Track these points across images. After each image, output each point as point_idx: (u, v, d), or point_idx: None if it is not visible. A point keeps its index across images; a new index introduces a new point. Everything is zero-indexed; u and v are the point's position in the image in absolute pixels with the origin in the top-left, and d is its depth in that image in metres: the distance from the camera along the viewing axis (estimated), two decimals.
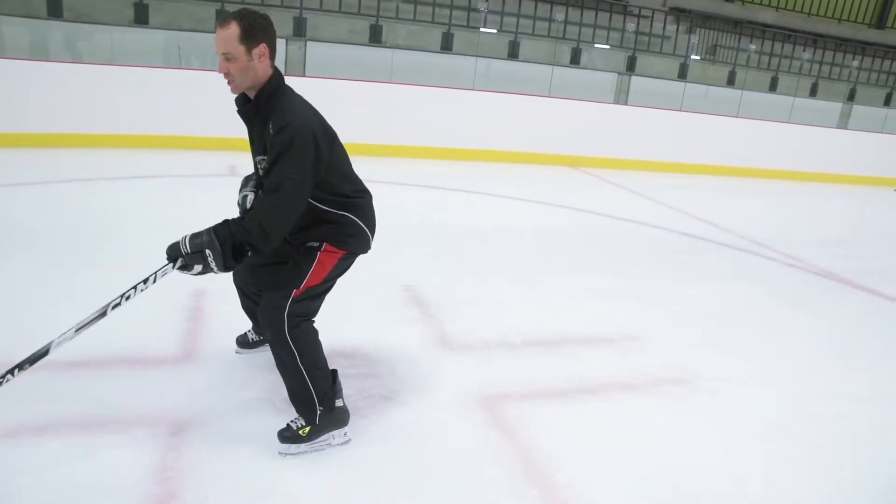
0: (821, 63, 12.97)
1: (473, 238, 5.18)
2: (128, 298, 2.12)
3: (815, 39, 13.55)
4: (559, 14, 10.47)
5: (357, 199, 2.31)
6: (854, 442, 2.74)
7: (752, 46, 12.27)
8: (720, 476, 2.38)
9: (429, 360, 3.00)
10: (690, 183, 9.45)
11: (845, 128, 12.37)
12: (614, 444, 2.51)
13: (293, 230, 2.19)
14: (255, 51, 2.03)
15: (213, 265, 2.04)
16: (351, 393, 2.55)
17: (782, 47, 12.62)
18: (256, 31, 2.04)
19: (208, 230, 2.04)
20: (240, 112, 2.21)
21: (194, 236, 2.05)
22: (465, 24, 9.83)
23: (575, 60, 10.44)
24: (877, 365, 3.60)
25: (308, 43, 8.62)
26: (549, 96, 9.62)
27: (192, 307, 3.25)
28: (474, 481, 2.19)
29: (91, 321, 2.08)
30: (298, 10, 8.60)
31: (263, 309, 2.19)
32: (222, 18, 2.06)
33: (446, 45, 9.49)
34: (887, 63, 13.84)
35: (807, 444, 2.68)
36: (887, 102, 13.21)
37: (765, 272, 5.20)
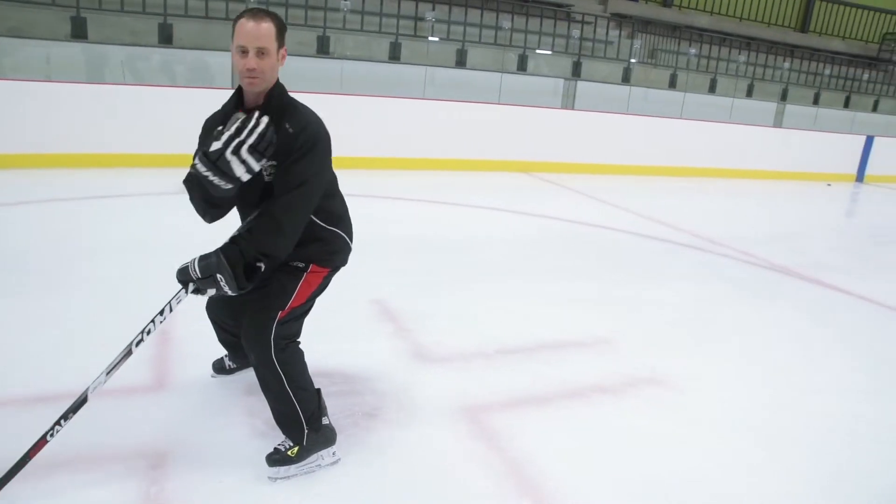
0: (755, 65, 13.51)
1: (437, 248, 5.17)
2: (149, 333, 2.06)
3: (748, 42, 14.13)
4: (505, 21, 10.60)
5: (344, 214, 2.29)
6: (832, 435, 2.84)
7: (693, 50, 12.68)
8: (708, 478, 2.43)
9: (407, 374, 2.97)
10: (640, 184, 9.68)
11: (780, 126, 12.92)
12: (600, 449, 2.53)
13: None
14: (281, 51, 2.02)
15: (225, 288, 1.95)
16: (334, 412, 2.50)
17: (719, 50, 13.09)
18: (284, 31, 2.03)
19: (216, 251, 1.96)
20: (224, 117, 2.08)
21: (202, 259, 1.96)
22: (413, 33, 9.85)
23: (522, 67, 10.59)
24: (839, 357, 3.74)
25: None
26: (498, 103, 9.72)
27: (158, 331, 3.13)
28: (467, 496, 2.17)
29: (119, 362, 2.02)
30: None
31: (248, 334, 2.12)
32: (250, 12, 1.96)
33: (394, 55, 9.50)
34: (814, 65, 14.52)
35: (789, 438, 2.77)
36: (816, 101, 13.86)
37: (724, 270, 5.36)
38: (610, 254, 5.56)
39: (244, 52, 1.93)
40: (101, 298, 3.53)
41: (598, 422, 2.73)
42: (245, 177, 1.92)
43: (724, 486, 2.36)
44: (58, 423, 1.97)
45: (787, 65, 13.85)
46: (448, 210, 6.65)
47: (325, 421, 2.23)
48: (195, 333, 3.02)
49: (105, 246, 4.44)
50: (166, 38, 8.04)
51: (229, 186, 1.91)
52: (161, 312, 2.07)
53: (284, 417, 2.16)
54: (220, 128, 1.94)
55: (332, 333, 3.26)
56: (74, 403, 2.00)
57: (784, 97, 13.32)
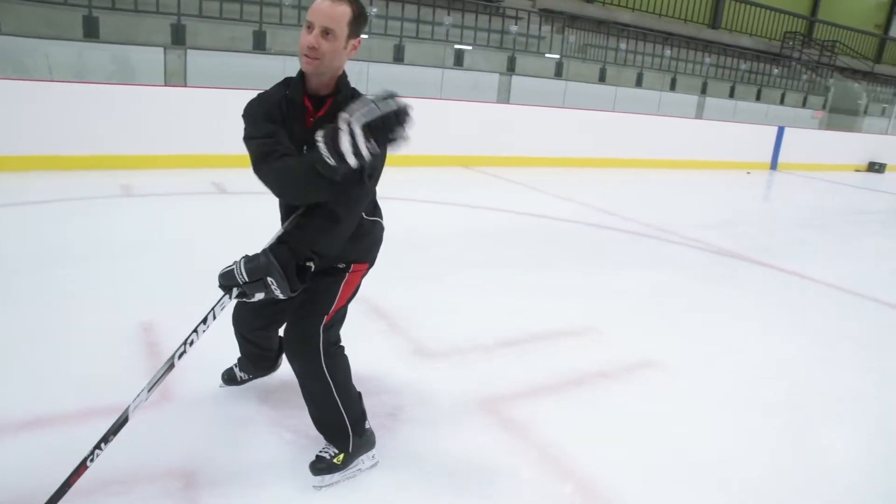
0: (677, 60, 14.12)
1: (398, 243, 5.12)
2: (192, 343, 1.93)
3: (667, 38, 14.76)
4: (446, 18, 10.62)
5: (376, 201, 2.21)
6: (811, 406, 3.03)
7: (623, 46, 13.12)
8: (723, 449, 2.54)
9: (413, 372, 2.94)
10: (577, 175, 9.93)
11: (701, 118, 13.58)
12: (618, 431, 2.60)
13: None
14: (353, 41, 1.88)
15: (276, 291, 1.82)
16: None
17: (644, 45, 13.59)
18: (362, 24, 1.89)
19: (265, 252, 1.83)
20: (284, 109, 1.93)
21: (249, 261, 1.83)
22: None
23: (458, 62, 10.65)
24: (803, 333, 3.99)
25: (188, 51, 8.13)
26: (438, 98, 9.72)
27: (146, 342, 2.97)
28: (515, 486, 2.18)
29: (161, 376, 1.90)
30: (176, 17, 8.09)
31: (293, 344, 2.04)
32: None
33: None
34: (729, 59, 15.33)
35: (793, 411, 2.93)
36: (732, 95, 14.65)
37: (678, 256, 5.59)
38: (569, 244, 5.69)
39: (310, 27, 1.81)
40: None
41: (608, 406, 2.81)
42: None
43: (737, 456, 2.48)
44: (98, 446, 1.84)
45: (708, 60, 14.55)
46: (397, 206, 6.59)
47: (367, 426, 2.18)
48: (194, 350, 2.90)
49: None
50: (91, 31, 7.58)
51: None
52: (204, 321, 1.95)
53: (329, 426, 2.10)
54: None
55: None
56: (114, 425, 1.87)
57: (704, 90, 14.00)
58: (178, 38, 8.14)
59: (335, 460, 2.07)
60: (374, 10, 9.78)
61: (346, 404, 2.08)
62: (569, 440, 2.48)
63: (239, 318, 2.36)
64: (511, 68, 11.15)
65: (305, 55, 1.82)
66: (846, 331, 4.10)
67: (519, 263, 4.87)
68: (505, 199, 7.57)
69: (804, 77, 17.07)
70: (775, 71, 16.14)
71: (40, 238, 4.41)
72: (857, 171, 15.19)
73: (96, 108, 6.69)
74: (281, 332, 2.49)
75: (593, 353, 3.35)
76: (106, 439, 1.86)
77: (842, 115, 16.67)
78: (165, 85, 7.94)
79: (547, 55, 11.86)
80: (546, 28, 12.48)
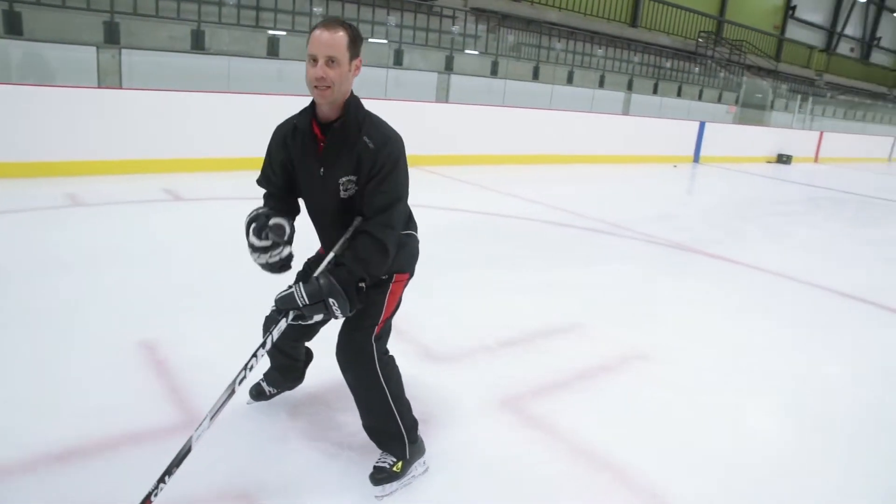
0: (604, 58, 14.64)
1: None
2: (251, 368, 1.95)
3: (593, 36, 15.28)
4: (392, 18, 10.59)
5: (411, 214, 2.26)
6: (790, 381, 3.32)
7: (559, 45, 13.47)
8: (735, 428, 2.75)
9: (429, 376, 3.00)
10: (521, 173, 10.13)
11: (628, 114, 14.14)
12: (634, 421, 2.76)
13: None
14: (355, 62, 1.93)
15: (337, 312, 1.90)
16: None
17: (574, 45, 14.02)
18: (359, 42, 1.95)
19: (324, 274, 1.91)
20: (299, 138, 2.04)
21: (308, 285, 1.90)
22: (291, 28, 9.54)
23: (398, 62, 10.66)
24: (766, 318, 4.32)
25: (123, 51, 7.77)
26: (383, 98, 9.70)
27: (153, 362, 2.89)
28: (557, 480, 2.29)
29: (223, 404, 1.90)
30: (109, 15, 7.71)
31: (348, 354, 2.08)
32: (323, 23, 1.90)
33: (273, 51, 9.15)
34: (651, 57, 16.04)
35: (769, 386, 3.18)
36: (655, 91, 15.34)
37: (636, 251, 5.87)
38: (531, 242, 5.86)
39: (314, 60, 1.86)
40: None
41: (618, 396, 2.98)
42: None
43: (748, 434, 2.70)
44: (162, 479, 1.82)
45: (636, 58, 15.16)
46: None
47: (418, 431, 2.23)
48: (190, 362, 2.89)
49: None
50: (13, 28, 7.12)
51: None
52: (263, 345, 1.98)
53: (386, 434, 2.14)
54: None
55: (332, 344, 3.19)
56: (178, 456, 1.85)
57: (630, 87, 14.59)
58: (112, 36, 7.76)
59: (394, 468, 2.11)
60: (318, 9, 9.64)
61: (401, 412, 2.13)
62: (592, 431, 2.62)
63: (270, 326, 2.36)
64: (449, 67, 11.26)
65: (316, 87, 1.88)
66: (803, 314, 4.47)
67: (490, 263, 4.97)
68: (457, 198, 7.67)
69: (721, 75, 18.06)
70: (696, 69, 17.00)
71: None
72: (769, 162, 16.24)
73: (22, 111, 6.30)
74: (308, 344, 2.53)
75: (587, 347, 3.51)
76: (170, 472, 1.84)
77: (751, 110, 17.75)
78: (99, 86, 7.56)
79: (481, 54, 12.04)
80: (482, 27, 12.66)
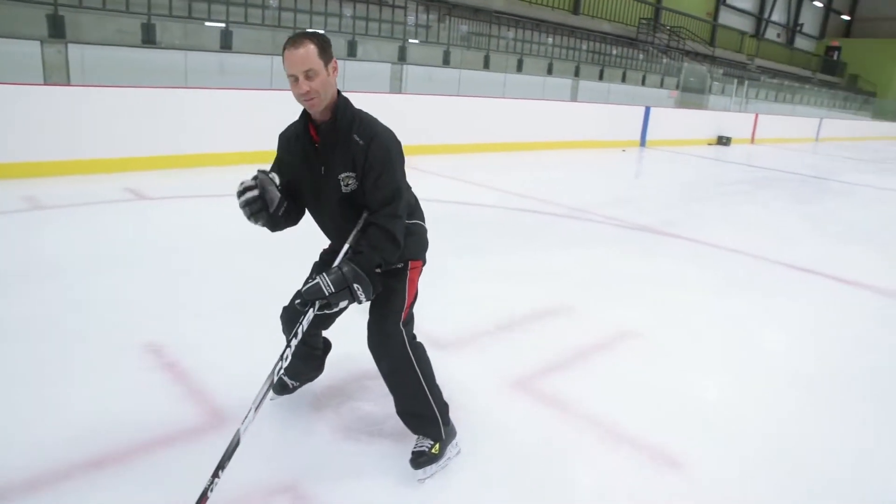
0: (551, 45, 14.89)
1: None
2: (287, 358, 2.05)
3: (538, 24, 15.50)
4: (347, 9, 10.48)
5: (417, 204, 2.37)
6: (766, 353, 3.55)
7: (510, 34, 13.61)
8: (731, 396, 2.94)
9: (439, 362, 3.05)
10: (478, 161, 10.24)
11: (576, 100, 14.45)
12: (639, 393, 2.93)
13: None
14: (330, 65, 2.02)
15: (361, 297, 2.00)
16: None
17: (523, 33, 14.20)
18: (328, 46, 2.03)
19: (345, 262, 2.01)
20: (299, 142, 2.15)
21: (331, 273, 1.99)
22: (244, 20, 9.35)
23: (352, 53, 10.59)
24: (739, 294, 4.59)
25: (69, 45, 7.48)
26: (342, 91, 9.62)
27: (165, 365, 2.86)
28: (584, 453, 2.42)
29: (265, 392, 1.96)
30: (53, 7, 7.40)
31: (380, 342, 2.15)
32: (290, 41, 1.98)
33: (226, 44, 8.96)
34: (598, 45, 16.39)
35: (747, 353, 3.41)
36: (601, 77, 15.71)
37: (604, 233, 6.08)
38: (504, 229, 5.99)
39: (295, 78, 1.96)
40: None
41: (618, 372, 3.14)
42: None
43: (751, 400, 2.89)
44: (216, 475, 1.86)
45: (584, 46, 15.46)
46: None
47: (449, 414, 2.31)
48: (203, 363, 2.90)
49: None
50: None
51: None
52: (295, 335, 2.05)
53: (421, 418, 2.21)
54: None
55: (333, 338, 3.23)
56: (228, 450, 1.89)
57: (577, 73, 14.90)
58: (57, 30, 7.44)
59: (433, 451, 2.20)
60: (273, 1, 9.47)
61: (434, 395, 2.22)
62: (603, 406, 2.77)
63: (293, 321, 2.39)
64: (402, 58, 11.25)
65: (305, 101, 2.01)
66: (770, 288, 4.76)
67: (467, 252, 5.03)
68: (418, 188, 7.63)
69: (665, 61, 18.61)
70: (641, 56, 17.48)
71: None
72: (709, 144, 16.87)
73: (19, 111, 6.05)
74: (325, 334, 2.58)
75: (580, 327, 3.66)
76: (222, 466, 1.88)
77: (692, 95, 18.40)
78: (44, 83, 7.26)
79: (433, 43, 12.07)
80: (432, 17, 12.69)
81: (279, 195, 2.11)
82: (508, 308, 3.86)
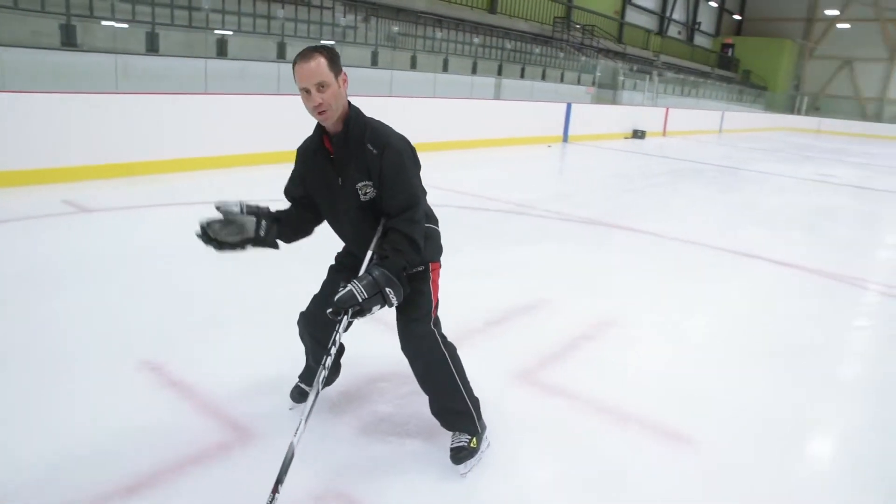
0: (476, 45, 15.13)
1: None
2: (327, 367, 2.05)
3: (458, 24, 15.72)
4: (262, 8, 10.26)
5: (430, 209, 2.44)
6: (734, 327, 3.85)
7: (438, 34, 13.70)
8: (713, 373, 3.20)
9: None
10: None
11: (500, 98, 14.75)
12: (634, 377, 3.13)
13: None
14: (340, 77, 2.08)
15: (393, 300, 2.04)
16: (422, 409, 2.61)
17: (448, 33, 14.36)
18: (337, 59, 2.08)
19: (374, 268, 2.05)
20: (316, 155, 2.20)
21: (361, 280, 2.02)
22: (170, 22, 9.00)
23: (281, 55, 10.40)
24: (693, 279, 4.91)
25: None
26: (273, 94, 9.43)
27: (168, 383, 2.79)
28: (601, 435, 2.57)
29: (313, 404, 1.99)
30: None
31: (414, 345, 2.21)
32: (301, 56, 2.03)
33: (152, 47, 8.60)
34: (519, 44, 16.79)
35: (722, 327, 3.68)
36: (522, 75, 16.11)
37: (556, 228, 6.31)
38: (453, 227, 6.08)
39: (307, 91, 2.02)
40: None
41: (607, 359, 3.34)
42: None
43: (737, 376, 3.15)
44: (275, 490, 1.87)
45: (507, 45, 15.78)
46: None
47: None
48: (204, 378, 2.85)
49: None
50: None
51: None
52: (333, 343, 2.09)
53: (457, 413, 2.29)
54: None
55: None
56: (284, 464, 1.91)
57: (500, 72, 15.22)
58: None
59: (471, 444, 2.28)
60: (206, 3, 9.15)
61: (467, 390, 2.31)
62: (603, 391, 2.94)
63: (312, 322, 2.42)
64: None
65: (317, 113, 2.06)
66: (717, 271, 5.12)
67: None
68: None
69: (583, 58, 19.27)
70: (561, 55, 18.02)
71: None
72: (626, 138, 17.64)
73: None
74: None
75: (562, 319, 3.83)
76: (280, 480, 1.89)
77: (606, 91, 19.16)
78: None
79: (361, 44, 12.03)
80: (359, 17, 12.63)
81: (249, 219, 2.18)
82: (485, 306, 3.95)
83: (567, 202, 7.52)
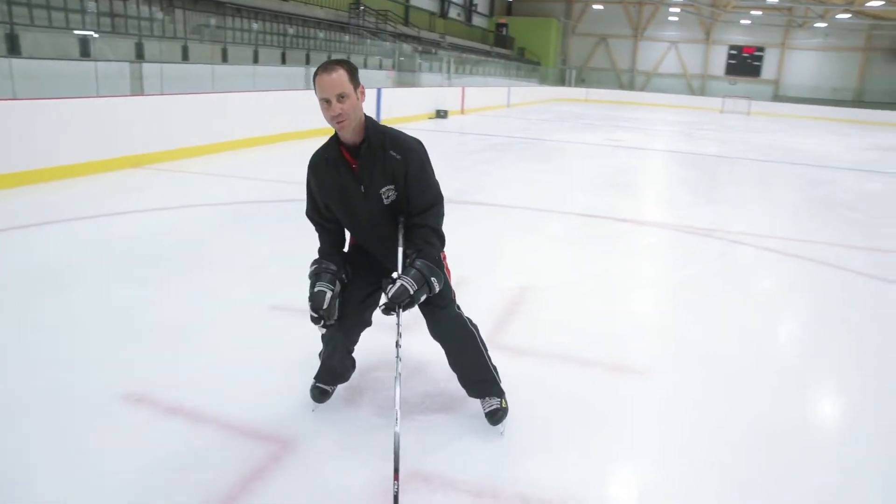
0: (278, 35, 14.85)
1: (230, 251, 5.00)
2: (401, 359, 2.31)
3: (256, 13, 15.30)
4: (74, 3, 9.21)
5: None
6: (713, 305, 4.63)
7: (256, 25, 13.15)
8: (637, 314, 3.88)
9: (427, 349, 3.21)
10: (245, 157, 9.77)
11: (310, 89, 14.68)
12: (574, 328, 3.71)
13: None
14: (359, 90, 2.28)
15: (436, 287, 2.31)
16: (452, 392, 2.91)
17: (265, 24, 13.91)
18: (356, 72, 2.29)
19: (416, 260, 2.31)
20: (335, 167, 2.38)
21: (408, 276, 2.28)
22: (30, 22, 7.81)
23: (85, 53, 9.44)
24: (571, 241, 5.70)
25: None
26: (82, 97, 8.51)
27: (165, 411, 2.73)
28: (570, 383, 3.10)
29: (398, 394, 2.23)
30: None
31: (446, 327, 2.49)
32: (322, 67, 2.20)
33: (85, 52, 7.76)
34: (326, 32, 16.68)
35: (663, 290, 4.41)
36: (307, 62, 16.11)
37: (514, 220, 6.58)
38: None
39: (328, 102, 2.19)
40: None
41: (544, 318, 3.88)
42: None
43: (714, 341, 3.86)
44: (396, 477, 2.08)
45: (321, 35, 15.61)
46: (180, 214, 5.98)
47: None
48: (211, 399, 2.84)
49: None
50: None
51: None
52: (401, 336, 2.35)
53: (487, 382, 2.62)
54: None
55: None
56: (395, 453, 2.12)
57: (308, 61, 15.12)
58: None
59: (503, 405, 2.65)
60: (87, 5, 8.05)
61: (489, 358, 2.64)
62: (558, 344, 3.49)
63: (350, 326, 2.58)
64: (140, 55, 10.35)
65: (336, 123, 2.24)
66: (588, 233, 5.95)
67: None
68: (204, 191, 7.31)
69: (387, 44, 19.65)
70: (369, 41, 18.22)
71: None
72: (430, 118, 18.47)
73: None
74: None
75: (488, 293, 4.23)
76: (397, 469, 2.10)
77: (406, 73, 19.85)
78: None
79: (173, 39, 11.30)
80: (164, 10, 11.78)
81: (337, 288, 2.42)
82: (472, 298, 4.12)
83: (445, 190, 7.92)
